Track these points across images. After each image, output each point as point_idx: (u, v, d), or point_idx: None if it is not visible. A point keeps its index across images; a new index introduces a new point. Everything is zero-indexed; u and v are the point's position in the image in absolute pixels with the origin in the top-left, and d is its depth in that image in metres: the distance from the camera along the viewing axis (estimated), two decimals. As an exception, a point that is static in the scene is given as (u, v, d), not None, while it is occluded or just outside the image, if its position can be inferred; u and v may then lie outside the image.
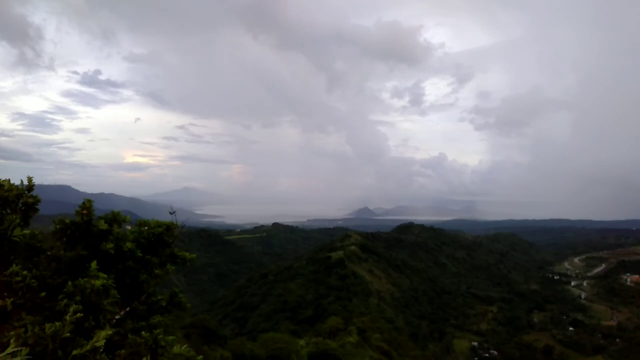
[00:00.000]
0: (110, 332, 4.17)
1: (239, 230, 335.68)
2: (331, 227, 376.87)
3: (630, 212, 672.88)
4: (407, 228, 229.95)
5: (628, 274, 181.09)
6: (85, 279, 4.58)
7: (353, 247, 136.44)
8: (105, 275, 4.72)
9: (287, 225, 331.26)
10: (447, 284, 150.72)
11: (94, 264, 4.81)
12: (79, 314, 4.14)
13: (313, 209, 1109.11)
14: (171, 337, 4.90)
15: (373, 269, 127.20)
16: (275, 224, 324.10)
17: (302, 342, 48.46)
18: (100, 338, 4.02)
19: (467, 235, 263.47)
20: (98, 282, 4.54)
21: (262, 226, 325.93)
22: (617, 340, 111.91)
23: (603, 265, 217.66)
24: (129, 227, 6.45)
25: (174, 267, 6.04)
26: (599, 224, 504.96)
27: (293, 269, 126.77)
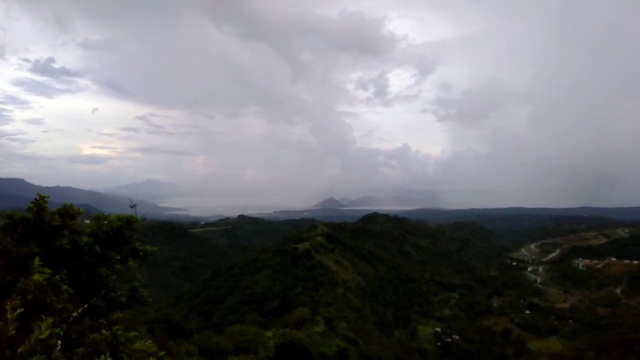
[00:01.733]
0: (50, 320, 3.95)
1: (203, 222, 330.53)
2: (298, 218, 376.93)
3: (582, 199, 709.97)
4: (373, 218, 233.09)
5: (580, 259, 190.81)
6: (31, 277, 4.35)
7: (319, 238, 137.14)
8: (50, 271, 4.48)
9: (253, 217, 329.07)
10: (411, 272, 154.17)
11: (36, 260, 4.57)
12: (18, 310, 3.90)
13: (279, 200, 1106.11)
14: (132, 333, 4.73)
15: (339, 259, 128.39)
16: (241, 216, 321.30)
17: (269, 333, 48.42)
18: (43, 330, 3.82)
19: (431, 224, 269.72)
20: (38, 278, 4.30)
21: (228, 218, 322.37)
22: (570, 321, 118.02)
23: (557, 250, 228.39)
24: (87, 222, 6.19)
25: (135, 264, 5.84)
26: (554, 211, 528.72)
27: (259, 261, 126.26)
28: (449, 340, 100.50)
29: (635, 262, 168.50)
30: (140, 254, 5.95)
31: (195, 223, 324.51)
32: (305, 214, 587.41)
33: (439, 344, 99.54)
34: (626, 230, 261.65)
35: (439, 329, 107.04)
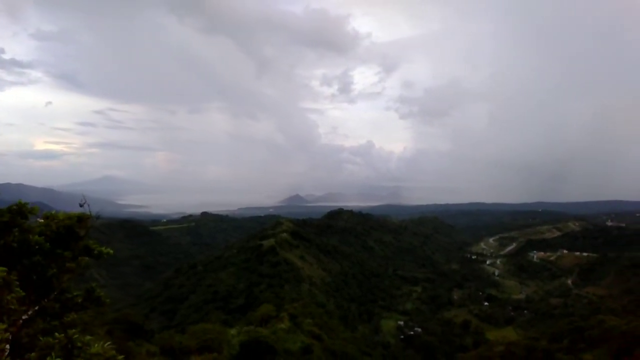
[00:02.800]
0: (4, 326, 3.76)
1: (165, 220, 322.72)
2: (262, 215, 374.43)
3: (536, 195, 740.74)
4: (337, 214, 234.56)
5: (535, 251, 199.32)
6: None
7: (284, 235, 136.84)
8: (5, 269, 4.25)
9: (217, 215, 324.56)
10: (375, 267, 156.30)
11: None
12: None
13: (244, 197, 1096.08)
14: (88, 337, 4.55)
15: (304, 255, 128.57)
16: (204, 213, 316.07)
17: (233, 331, 48.01)
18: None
19: (394, 220, 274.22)
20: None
21: (191, 216, 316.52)
22: (525, 311, 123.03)
23: (514, 244, 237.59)
24: (41, 220, 5.90)
25: (87, 260, 5.61)
26: (511, 206, 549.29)
27: (223, 259, 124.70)
28: (412, 333, 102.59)
29: (585, 254, 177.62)
30: (95, 252, 5.73)
31: (156, 221, 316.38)
32: (271, 210, 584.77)
33: (402, 337, 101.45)
34: (577, 224, 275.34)
35: (401, 323, 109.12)
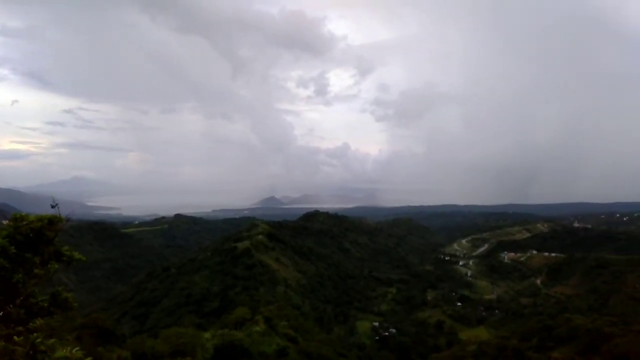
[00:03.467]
0: None
1: (137, 222, 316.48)
2: (237, 217, 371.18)
3: (507, 197, 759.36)
4: (313, 216, 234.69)
5: (505, 252, 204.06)
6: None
7: (260, 237, 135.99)
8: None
9: (191, 216, 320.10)
10: (350, 268, 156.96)
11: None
12: None
13: (218, 198, 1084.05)
14: (51, 341, 4.39)
15: (280, 257, 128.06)
16: (178, 215, 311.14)
17: (207, 335, 47.39)
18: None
19: (369, 222, 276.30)
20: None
21: (164, 218, 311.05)
22: (497, 311, 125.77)
23: (486, 245, 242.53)
24: (5, 222, 5.68)
25: (57, 266, 5.43)
26: (483, 208, 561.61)
27: (197, 261, 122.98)
28: (386, 334, 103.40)
29: (553, 254, 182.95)
30: (65, 258, 5.55)
31: (128, 223, 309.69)
32: (246, 212, 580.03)
33: (377, 338, 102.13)
34: (546, 225, 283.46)
35: (376, 324, 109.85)
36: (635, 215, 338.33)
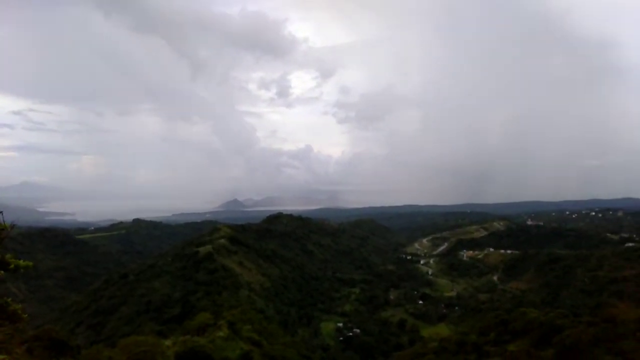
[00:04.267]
0: None
1: (93, 228, 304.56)
2: (199, 221, 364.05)
3: (465, 196, 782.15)
4: (277, 218, 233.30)
5: (464, 250, 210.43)
6: None
7: (222, 241, 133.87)
8: None
9: (150, 221, 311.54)
10: (314, 270, 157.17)
11: None
12: None
13: (179, 202, 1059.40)
14: (1, 357, 4.14)
15: (243, 260, 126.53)
16: (136, 220, 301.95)
17: (168, 342, 46.30)
18: None
19: (332, 223, 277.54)
20: None
21: (121, 223, 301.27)
22: (456, 308, 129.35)
23: (445, 244, 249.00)
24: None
25: (2, 273, 5.11)
26: (443, 208, 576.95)
27: (157, 267, 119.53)
28: (350, 334, 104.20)
29: (509, 251, 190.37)
30: (11, 266, 5.24)
31: (83, 229, 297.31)
32: (208, 216, 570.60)
33: (341, 338, 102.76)
34: (502, 224, 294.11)
35: (340, 324, 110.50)
36: (583, 212, 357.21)
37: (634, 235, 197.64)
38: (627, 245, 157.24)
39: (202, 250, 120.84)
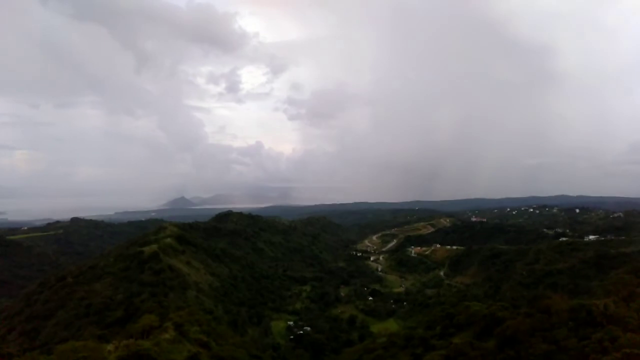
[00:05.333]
0: None
1: (26, 228, 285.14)
2: (144, 219, 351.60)
3: (414, 194, 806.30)
4: (226, 216, 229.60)
5: (412, 247, 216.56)
6: None
7: (169, 240, 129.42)
8: None
9: (90, 220, 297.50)
10: (265, 268, 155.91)
11: None
12: None
13: (122, 200, 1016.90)
14: None
15: (191, 260, 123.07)
16: (75, 219, 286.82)
17: (109, 346, 44.29)
18: None
19: (284, 221, 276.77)
20: None
21: (58, 222, 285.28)
22: (405, 303, 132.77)
23: (394, 240, 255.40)
24: None
25: None
26: (392, 205, 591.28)
27: (99, 268, 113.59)
28: (301, 332, 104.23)
29: (455, 247, 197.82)
30: None
31: (15, 229, 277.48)
32: (153, 214, 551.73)
33: (292, 337, 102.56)
34: (447, 220, 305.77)
35: (291, 323, 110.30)
36: (522, 209, 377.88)
37: (567, 230, 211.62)
38: (560, 239, 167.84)
39: (147, 250, 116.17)
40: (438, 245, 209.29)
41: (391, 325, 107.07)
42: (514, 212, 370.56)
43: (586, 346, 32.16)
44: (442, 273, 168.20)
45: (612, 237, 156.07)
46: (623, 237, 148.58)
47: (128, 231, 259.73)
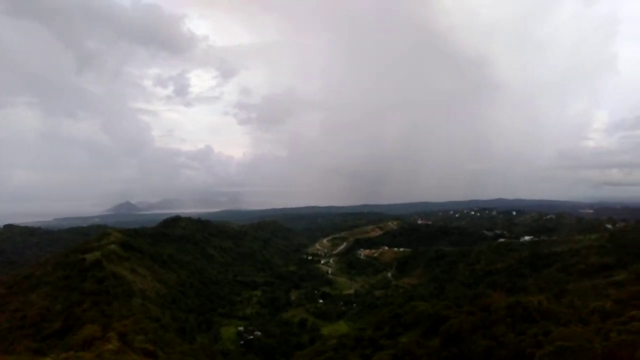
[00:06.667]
0: None
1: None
2: (86, 225, 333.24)
3: (363, 198, 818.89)
4: (174, 222, 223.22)
5: (361, 249, 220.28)
6: None
7: (113, 246, 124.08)
8: None
9: (26, 227, 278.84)
10: (214, 274, 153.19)
11: None
12: None
13: (62, 206, 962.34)
14: None
15: (136, 267, 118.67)
16: (9, 226, 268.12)
17: (47, 360, 42.08)
18: None
19: (234, 225, 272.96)
20: None
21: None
22: (354, 305, 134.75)
23: (344, 243, 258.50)
24: None
25: None
26: (342, 209, 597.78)
27: (35, 277, 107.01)
28: (251, 337, 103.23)
29: (402, 249, 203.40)
30: None
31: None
32: (96, 220, 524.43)
33: (242, 342, 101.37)
34: (395, 223, 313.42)
35: (241, 328, 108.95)
36: (465, 212, 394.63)
37: (505, 232, 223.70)
38: (499, 240, 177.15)
39: (89, 257, 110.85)
40: (386, 248, 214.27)
41: (341, 327, 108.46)
42: (456, 215, 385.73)
43: (522, 341, 34.15)
44: (390, 274, 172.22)
45: (545, 238, 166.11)
46: (554, 238, 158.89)
47: (68, 238, 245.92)
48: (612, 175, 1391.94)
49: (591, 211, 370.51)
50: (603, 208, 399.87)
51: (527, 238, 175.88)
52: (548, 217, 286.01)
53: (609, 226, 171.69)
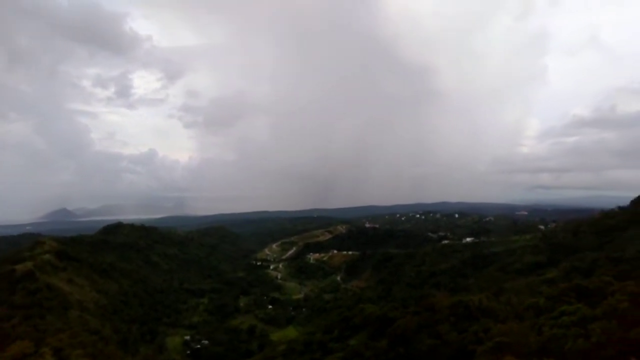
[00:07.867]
0: None
1: None
2: (16, 234, 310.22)
3: (311, 202, 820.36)
4: (116, 228, 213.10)
5: (311, 254, 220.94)
6: None
7: (47, 256, 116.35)
8: None
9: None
10: (159, 282, 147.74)
11: None
12: None
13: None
14: None
15: (73, 277, 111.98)
16: None
17: (-29, 382, 38.78)
18: None
19: (180, 232, 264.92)
20: None
21: None
22: (304, 309, 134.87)
23: (294, 248, 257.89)
24: None
25: None
26: (291, 213, 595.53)
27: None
28: (198, 346, 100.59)
29: (350, 252, 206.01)
30: None
31: None
32: (28, 228, 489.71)
33: (188, 352, 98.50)
34: (344, 227, 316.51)
35: (188, 337, 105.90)
36: (410, 215, 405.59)
37: (448, 234, 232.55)
38: (443, 242, 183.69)
39: (20, 268, 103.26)
40: (335, 251, 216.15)
41: (291, 332, 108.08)
42: (403, 218, 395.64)
43: (465, 338, 35.66)
44: (339, 278, 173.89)
45: (484, 239, 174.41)
46: (493, 239, 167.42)
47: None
48: (543, 179, 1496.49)
49: (526, 213, 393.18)
50: (536, 210, 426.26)
51: (468, 240, 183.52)
52: (487, 219, 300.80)
53: (542, 227, 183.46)
